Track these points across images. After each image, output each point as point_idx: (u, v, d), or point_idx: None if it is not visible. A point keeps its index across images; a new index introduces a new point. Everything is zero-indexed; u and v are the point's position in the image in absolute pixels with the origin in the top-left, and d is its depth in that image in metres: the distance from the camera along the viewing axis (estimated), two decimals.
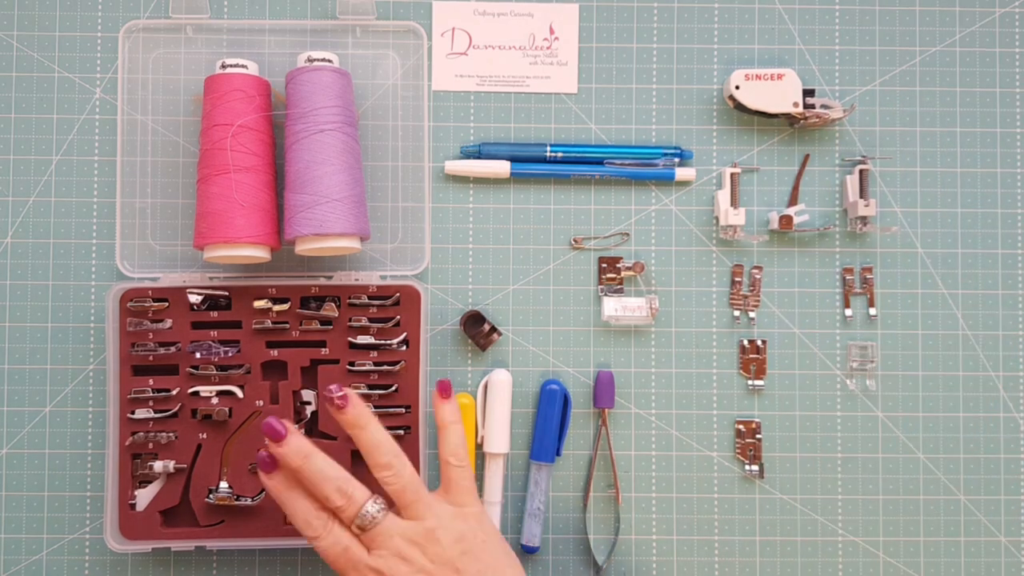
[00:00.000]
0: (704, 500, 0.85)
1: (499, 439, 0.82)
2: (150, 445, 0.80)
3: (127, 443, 0.80)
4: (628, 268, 0.85)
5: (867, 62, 0.87)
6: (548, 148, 0.85)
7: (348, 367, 0.81)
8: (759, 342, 0.85)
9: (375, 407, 0.81)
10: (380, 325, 0.82)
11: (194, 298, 0.81)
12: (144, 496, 0.80)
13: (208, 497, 0.80)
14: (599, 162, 0.85)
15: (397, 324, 0.82)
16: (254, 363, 0.81)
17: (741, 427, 0.85)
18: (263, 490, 0.80)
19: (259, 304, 0.81)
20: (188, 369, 0.80)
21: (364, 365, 0.81)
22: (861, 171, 0.84)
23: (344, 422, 0.70)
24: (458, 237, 0.85)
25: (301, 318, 0.81)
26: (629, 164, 0.85)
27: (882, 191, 0.86)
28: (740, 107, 0.84)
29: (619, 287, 0.85)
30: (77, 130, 0.84)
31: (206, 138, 0.79)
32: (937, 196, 0.86)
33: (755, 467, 0.85)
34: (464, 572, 0.69)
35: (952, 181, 0.86)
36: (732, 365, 0.85)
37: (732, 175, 0.84)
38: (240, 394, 0.81)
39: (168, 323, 0.81)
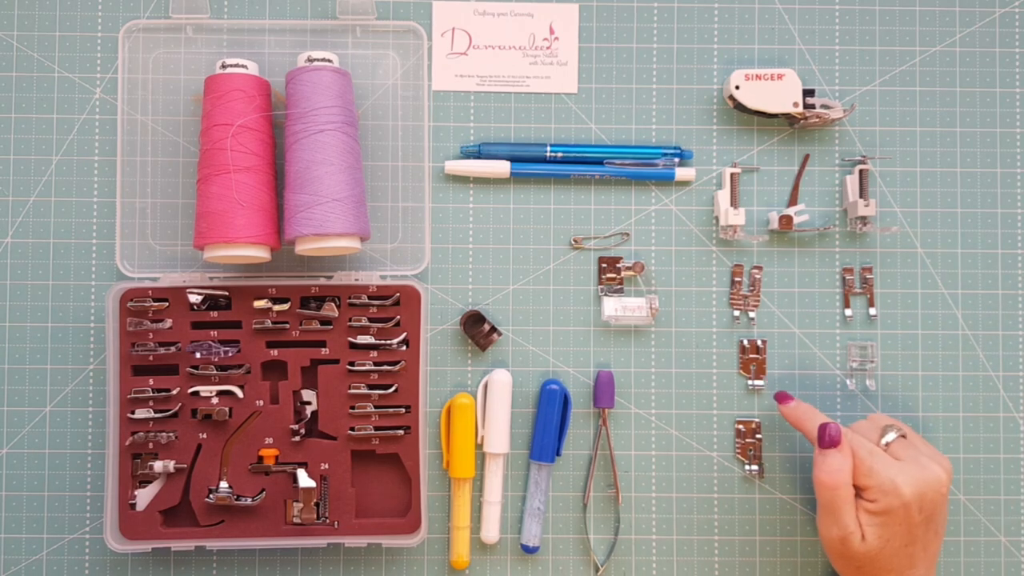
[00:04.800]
0: (704, 500, 0.85)
1: (499, 439, 0.82)
2: (150, 445, 0.80)
3: (127, 443, 0.80)
4: (628, 268, 0.85)
5: (867, 62, 0.87)
6: (548, 148, 0.85)
7: (348, 367, 0.81)
8: (759, 342, 0.85)
9: (375, 407, 0.81)
10: (380, 325, 0.81)
11: (194, 298, 0.81)
12: (144, 496, 0.80)
13: (208, 497, 0.80)
14: (599, 162, 0.85)
15: (397, 324, 0.82)
16: (254, 363, 0.81)
17: (741, 427, 0.85)
18: (263, 490, 0.80)
19: (259, 304, 0.81)
20: (188, 369, 0.80)
21: (364, 365, 0.81)
22: (861, 171, 0.84)
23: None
24: (458, 237, 0.85)
25: (301, 318, 0.81)
26: (629, 164, 0.85)
27: (882, 191, 0.86)
28: (740, 107, 0.84)
29: (619, 287, 0.85)
30: (77, 130, 0.84)
31: (206, 138, 0.79)
32: (937, 196, 0.86)
33: (755, 467, 0.85)
34: None
35: (952, 181, 0.86)
36: (732, 365, 0.85)
37: (732, 175, 0.84)
38: (240, 394, 0.81)
39: (168, 323, 0.81)
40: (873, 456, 0.74)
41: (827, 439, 0.74)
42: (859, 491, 0.74)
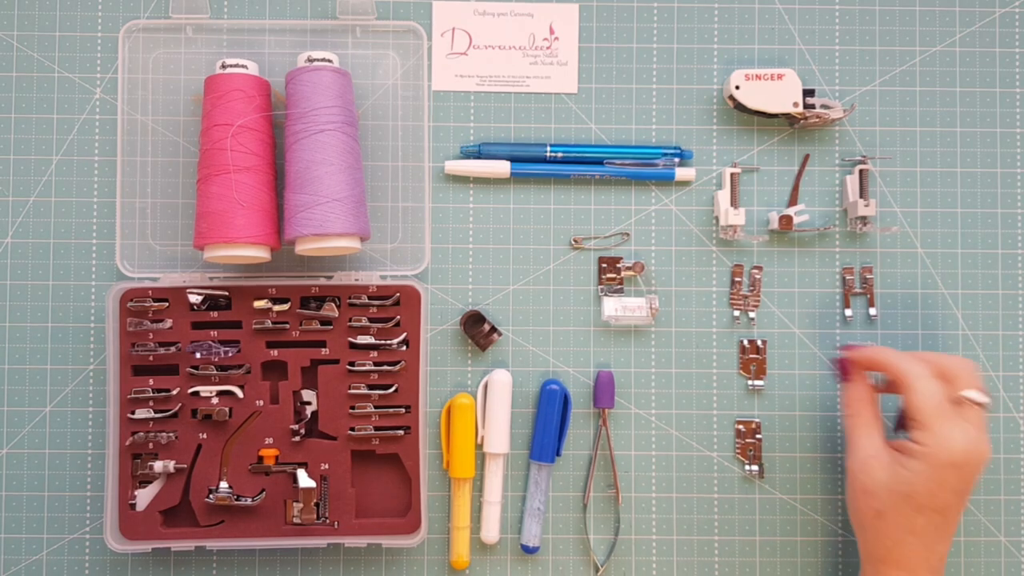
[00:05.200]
0: (704, 500, 0.85)
1: (499, 439, 0.82)
2: (150, 445, 0.80)
3: (127, 443, 0.80)
4: (628, 268, 0.85)
5: (867, 62, 0.87)
6: (548, 148, 0.85)
7: (348, 367, 0.81)
8: (759, 342, 0.85)
9: (375, 407, 0.81)
10: (380, 325, 0.82)
11: (194, 298, 0.81)
12: (144, 496, 0.80)
13: (208, 497, 0.80)
14: (599, 162, 0.85)
15: (397, 324, 0.82)
16: (254, 363, 0.81)
17: (741, 427, 0.85)
18: (263, 490, 0.80)
19: (259, 304, 0.81)
20: (188, 369, 0.80)
21: (364, 365, 0.81)
22: (861, 171, 0.84)
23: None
24: (458, 237, 0.85)
25: (301, 318, 0.81)
26: (629, 164, 0.85)
27: (882, 191, 0.86)
28: (740, 107, 0.84)
29: (619, 287, 0.85)
30: (77, 130, 0.84)
31: (206, 138, 0.79)
32: (937, 196, 0.86)
33: (755, 467, 0.85)
34: None
35: (952, 181, 0.86)
36: (732, 365, 0.85)
37: (732, 175, 0.84)
38: (240, 394, 0.81)
39: (168, 323, 0.81)
40: (940, 415, 0.73)
41: (838, 374, 0.80)
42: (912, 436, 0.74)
